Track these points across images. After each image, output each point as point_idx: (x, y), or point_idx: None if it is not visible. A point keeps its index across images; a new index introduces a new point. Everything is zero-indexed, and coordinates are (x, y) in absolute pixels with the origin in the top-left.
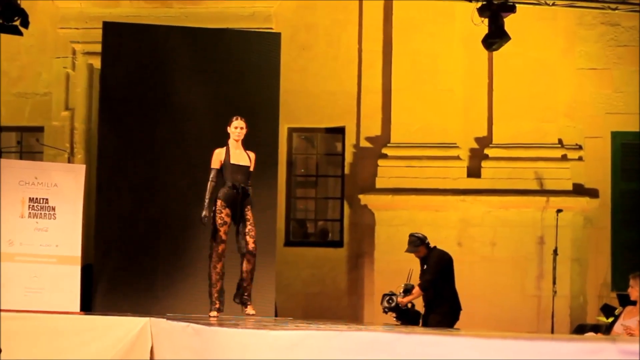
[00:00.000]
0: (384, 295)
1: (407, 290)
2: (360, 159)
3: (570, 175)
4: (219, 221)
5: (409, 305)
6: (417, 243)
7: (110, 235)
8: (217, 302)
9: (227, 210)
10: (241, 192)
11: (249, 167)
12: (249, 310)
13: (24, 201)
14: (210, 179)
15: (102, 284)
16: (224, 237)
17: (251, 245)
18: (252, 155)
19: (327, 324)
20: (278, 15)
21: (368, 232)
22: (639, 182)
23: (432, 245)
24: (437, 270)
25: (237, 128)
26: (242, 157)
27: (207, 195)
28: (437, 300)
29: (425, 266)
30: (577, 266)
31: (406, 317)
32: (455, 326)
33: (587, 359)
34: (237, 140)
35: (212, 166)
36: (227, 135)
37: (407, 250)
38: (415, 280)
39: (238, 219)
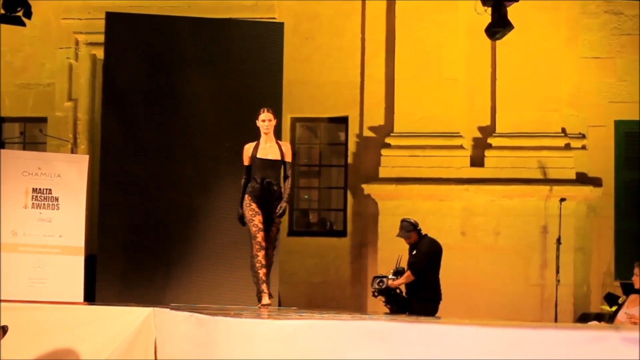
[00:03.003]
0: (375, 278)
1: (398, 273)
2: (364, 148)
3: (573, 164)
4: (249, 213)
5: (398, 291)
6: (409, 228)
7: (113, 226)
8: (267, 290)
9: (255, 205)
10: (267, 187)
11: (279, 160)
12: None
13: (27, 192)
14: (243, 177)
15: (105, 275)
16: (260, 225)
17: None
18: (286, 146)
19: (330, 314)
20: (281, 5)
21: (371, 222)
22: None
23: (424, 232)
24: (429, 257)
25: (264, 121)
26: (271, 150)
27: (242, 194)
28: (421, 287)
29: (415, 252)
30: (581, 255)
31: (395, 302)
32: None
33: (590, 347)
34: (266, 133)
35: (245, 163)
36: (230, 125)
37: (399, 235)
38: (404, 266)
39: (266, 217)
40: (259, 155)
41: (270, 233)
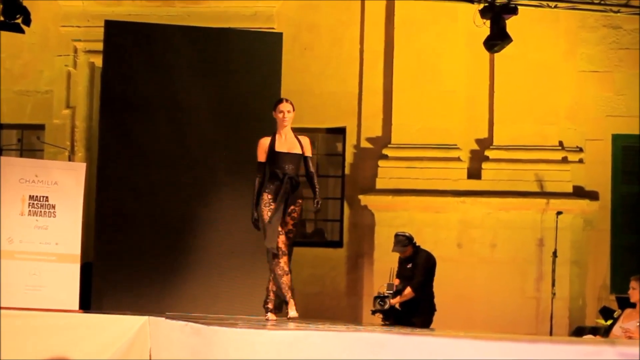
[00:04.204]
0: (376, 298)
1: (398, 292)
2: (361, 159)
3: (570, 178)
4: (268, 214)
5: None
6: (405, 243)
7: (110, 234)
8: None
9: (275, 204)
10: (288, 183)
11: (300, 154)
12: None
13: (24, 199)
14: (257, 175)
15: (101, 283)
16: (280, 228)
17: (279, 244)
18: (305, 140)
19: (326, 324)
20: (280, 15)
21: (368, 233)
22: (639, 185)
23: (419, 244)
24: (427, 272)
25: (283, 112)
26: (291, 144)
27: (254, 194)
28: (416, 299)
29: (409, 265)
30: (577, 268)
31: (391, 315)
32: (432, 327)
33: None
34: (284, 126)
35: (258, 159)
36: (229, 134)
37: (395, 250)
38: (394, 281)
39: (281, 210)
40: (277, 149)
41: (289, 234)
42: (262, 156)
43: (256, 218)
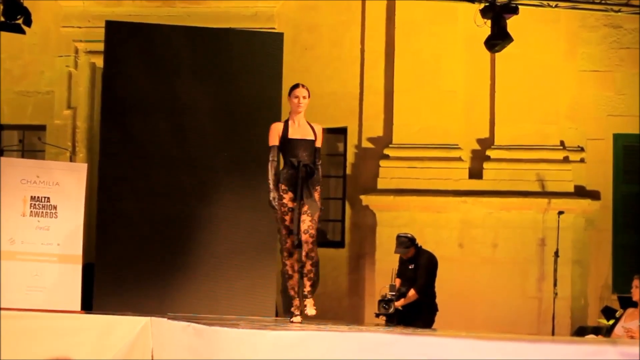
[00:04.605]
0: (380, 301)
1: (402, 295)
2: (362, 159)
3: (571, 177)
4: (281, 209)
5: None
6: (408, 244)
7: (111, 235)
8: (297, 303)
9: (290, 195)
10: (303, 170)
11: (313, 141)
12: (308, 309)
13: (25, 200)
14: (270, 159)
15: (103, 283)
16: (291, 226)
17: (304, 227)
18: (319, 129)
19: (327, 325)
20: (281, 15)
21: (369, 233)
22: None
23: (420, 244)
24: (430, 274)
25: (297, 97)
26: (304, 131)
27: (270, 177)
28: (418, 300)
29: (411, 266)
30: (578, 268)
31: (396, 319)
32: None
33: None
34: (298, 112)
35: (271, 143)
36: (229, 135)
37: (397, 252)
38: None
39: (299, 200)
40: (291, 136)
41: (310, 223)
42: (274, 140)
43: (274, 197)
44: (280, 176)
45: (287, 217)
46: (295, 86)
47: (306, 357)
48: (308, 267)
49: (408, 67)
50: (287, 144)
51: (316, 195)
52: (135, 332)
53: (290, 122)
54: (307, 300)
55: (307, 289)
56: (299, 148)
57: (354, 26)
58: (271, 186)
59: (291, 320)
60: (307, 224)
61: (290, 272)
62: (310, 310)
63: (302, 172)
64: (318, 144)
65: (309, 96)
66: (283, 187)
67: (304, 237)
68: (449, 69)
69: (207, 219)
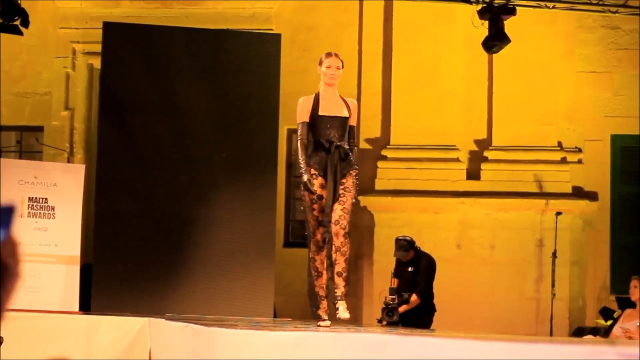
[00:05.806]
0: (384, 309)
1: (405, 301)
2: (360, 160)
3: (569, 178)
4: (309, 197)
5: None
6: (407, 248)
7: (109, 235)
8: (325, 306)
9: (321, 180)
10: (335, 152)
11: (347, 118)
12: (341, 313)
13: (23, 201)
14: (299, 137)
15: (101, 284)
16: (320, 217)
17: (335, 218)
18: (353, 104)
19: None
20: (278, 16)
21: (367, 234)
22: (638, 185)
23: (418, 245)
24: (430, 277)
25: (330, 67)
26: (337, 107)
27: (301, 157)
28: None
29: (410, 268)
30: (576, 269)
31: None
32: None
33: None
34: (330, 85)
35: (300, 119)
36: (227, 135)
37: (397, 255)
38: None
39: (332, 187)
40: (322, 112)
41: (343, 211)
42: (304, 116)
43: (308, 179)
44: (309, 158)
45: (316, 206)
46: (329, 54)
47: (305, 357)
48: (341, 264)
49: (406, 68)
50: (317, 122)
51: (350, 182)
52: (133, 332)
53: (322, 97)
54: (339, 302)
55: (341, 290)
56: (330, 126)
57: (351, 27)
58: (304, 167)
59: (318, 324)
60: (339, 213)
61: (320, 269)
62: (344, 314)
63: (335, 155)
64: (352, 122)
65: (342, 67)
66: (312, 171)
67: (334, 228)
68: (447, 70)
69: (205, 220)
